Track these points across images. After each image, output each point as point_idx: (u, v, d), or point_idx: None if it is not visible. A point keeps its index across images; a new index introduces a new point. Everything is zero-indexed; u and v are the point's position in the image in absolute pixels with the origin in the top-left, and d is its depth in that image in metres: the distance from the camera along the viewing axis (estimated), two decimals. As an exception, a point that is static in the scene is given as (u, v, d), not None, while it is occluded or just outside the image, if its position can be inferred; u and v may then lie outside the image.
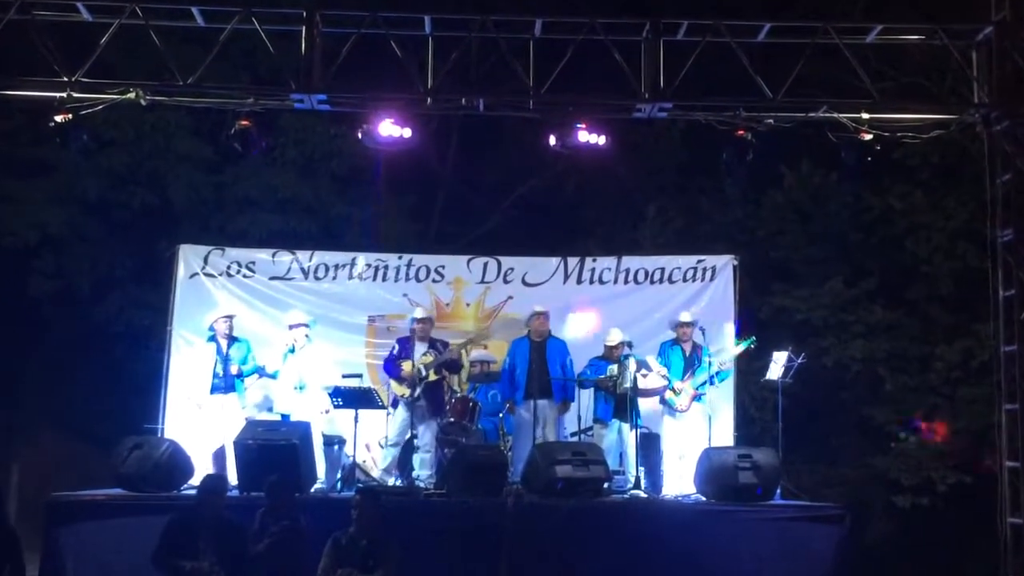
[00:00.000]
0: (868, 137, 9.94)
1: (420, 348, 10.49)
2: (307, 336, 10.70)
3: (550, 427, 10.51)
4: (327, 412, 10.45)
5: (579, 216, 16.53)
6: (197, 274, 11.65)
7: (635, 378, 10.29)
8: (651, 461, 10.42)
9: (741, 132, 9.76)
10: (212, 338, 10.63)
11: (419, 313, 10.74)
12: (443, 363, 10.41)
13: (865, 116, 9.90)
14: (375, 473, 10.89)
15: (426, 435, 10.35)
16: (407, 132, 9.90)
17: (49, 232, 14.03)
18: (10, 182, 14.00)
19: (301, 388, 10.49)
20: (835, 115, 9.94)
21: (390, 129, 9.88)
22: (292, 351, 10.61)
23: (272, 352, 10.72)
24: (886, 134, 10.00)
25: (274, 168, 14.89)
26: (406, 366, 10.35)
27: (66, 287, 14.34)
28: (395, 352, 10.56)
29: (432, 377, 10.34)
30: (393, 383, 10.49)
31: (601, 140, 10.08)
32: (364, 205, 15.49)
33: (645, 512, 9.48)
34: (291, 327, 10.73)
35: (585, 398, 10.70)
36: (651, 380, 10.47)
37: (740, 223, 15.52)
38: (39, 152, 13.69)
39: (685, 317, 10.78)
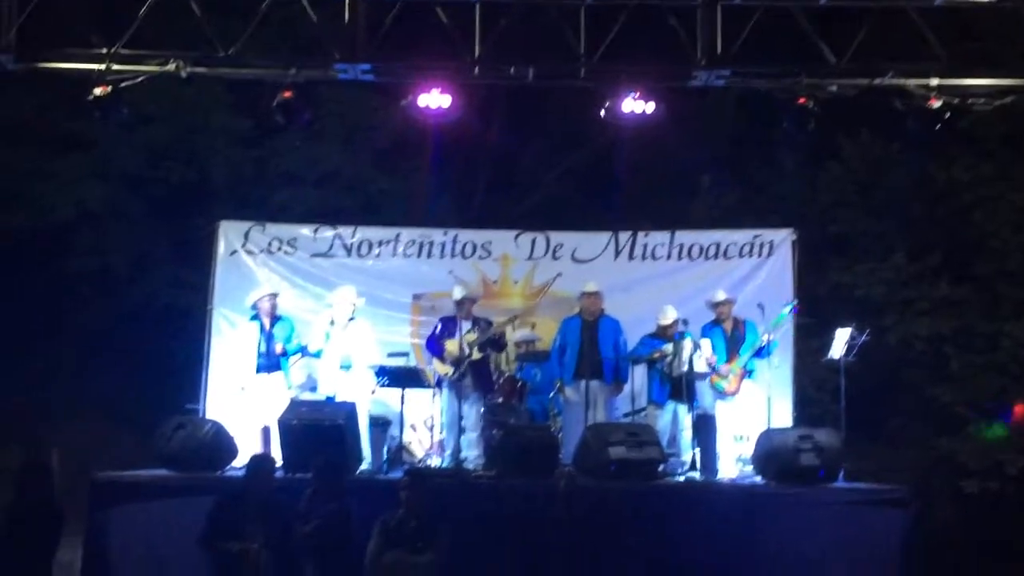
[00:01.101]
0: (937, 105, 9.75)
1: (464, 326, 10.47)
2: (352, 315, 10.61)
3: (601, 408, 10.48)
4: (373, 392, 10.46)
5: (629, 190, 16.38)
6: (237, 251, 11.73)
7: (691, 359, 10.23)
8: (706, 443, 10.34)
9: (803, 100, 9.60)
10: (255, 317, 10.64)
11: (457, 294, 10.68)
12: (487, 341, 10.38)
13: (934, 82, 9.70)
14: (421, 455, 10.93)
15: (471, 415, 10.33)
16: (446, 101, 9.78)
17: (87, 208, 14.15)
18: (47, 157, 14.14)
19: (347, 367, 10.47)
20: (902, 81, 9.75)
21: (435, 99, 9.83)
22: (332, 324, 10.53)
23: (315, 331, 10.70)
24: (956, 100, 9.81)
25: (314, 142, 14.88)
26: (450, 345, 10.35)
27: (104, 265, 14.47)
28: (437, 331, 10.55)
29: (476, 356, 10.31)
30: (436, 362, 10.48)
31: (650, 108, 9.95)
32: (407, 179, 15.47)
33: (701, 495, 9.46)
34: (336, 302, 10.66)
35: (639, 378, 10.64)
36: (703, 363, 10.40)
37: (797, 196, 15.39)
38: (76, 126, 13.82)
39: (720, 296, 10.68)
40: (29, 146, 14.20)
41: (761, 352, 10.34)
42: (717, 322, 10.61)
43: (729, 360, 10.42)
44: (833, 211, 14.99)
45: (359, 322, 10.68)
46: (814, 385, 13.37)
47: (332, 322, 10.53)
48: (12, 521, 7.64)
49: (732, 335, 10.50)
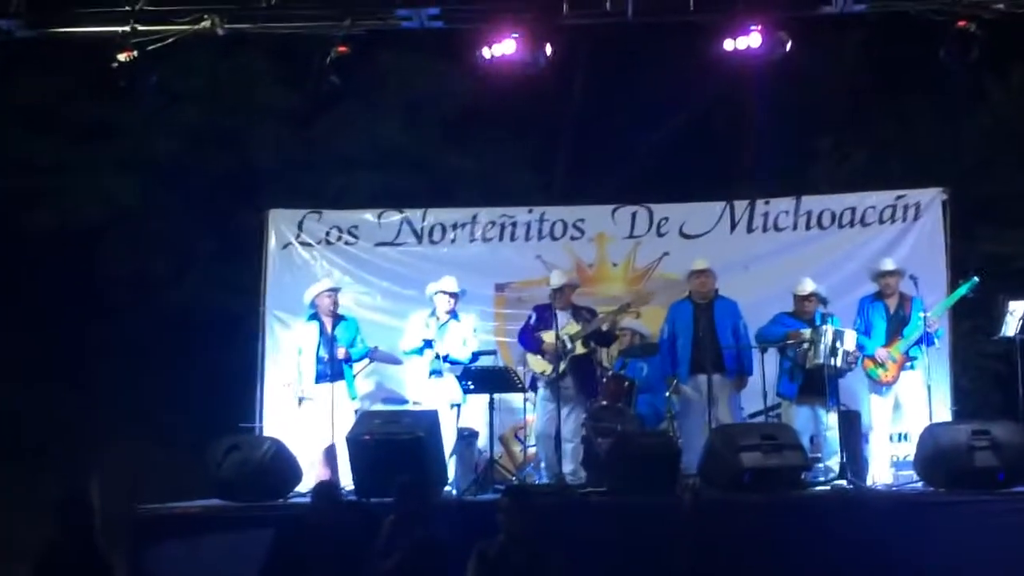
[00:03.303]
0: None
1: (562, 317, 9.99)
2: (451, 310, 10.22)
3: (724, 407, 9.91)
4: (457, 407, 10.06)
5: (735, 157, 15.86)
6: (291, 244, 11.51)
7: (831, 350, 9.57)
8: (852, 444, 9.78)
9: (963, 23, 8.89)
10: (313, 316, 10.31)
11: (555, 281, 10.23)
12: (593, 334, 9.92)
13: None
14: (513, 471, 10.57)
15: (569, 422, 9.88)
16: (509, 47, 9.23)
17: (118, 204, 13.86)
18: (70, 148, 13.89)
19: (437, 373, 10.09)
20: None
21: (507, 48, 9.28)
22: (428, 326, 10.16)
23: (410, 332, 10.30)
24: None
25: (373, 117, 14.60)
26: (547, 337, 9.86)
27: (141, 268, 14.22)
28: (532, 321, 10.13)
29: (580, 350, 9.86)
30: (531, 358, 10.04)
31: (755, 41, 9.23)
32: (481, 155, 15.09)
33: (854, 507, 8.82)
34: (435, 294, 10.28)
35: (770, 369, 10.00)
36: (839, 358, 9.72)
37: (935, 154, 14.66)
38: (101, 111, 13.59)
39: (888, 265, 10.10)
40: (50, 135, 13.98)
41: (928, 339, 9.71)
42: (880, 296, 10.03)
43: (889, 343, 9.84)
44: (982, 169, 14.28)
45: (463, 320, 10.33)
46: (967, 375, 12.73)
47: (427, 324, 10.19)
48: (51, 568, 7.28)
49: (896, 313, 9.94)
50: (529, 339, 10.06)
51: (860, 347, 9.79)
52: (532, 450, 10.48)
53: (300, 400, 10.19)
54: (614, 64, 15.08)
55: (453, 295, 10.23)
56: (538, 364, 9.96)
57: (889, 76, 14.88)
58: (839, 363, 9.62)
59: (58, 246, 13.83)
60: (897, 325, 9.87)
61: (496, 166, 15.13)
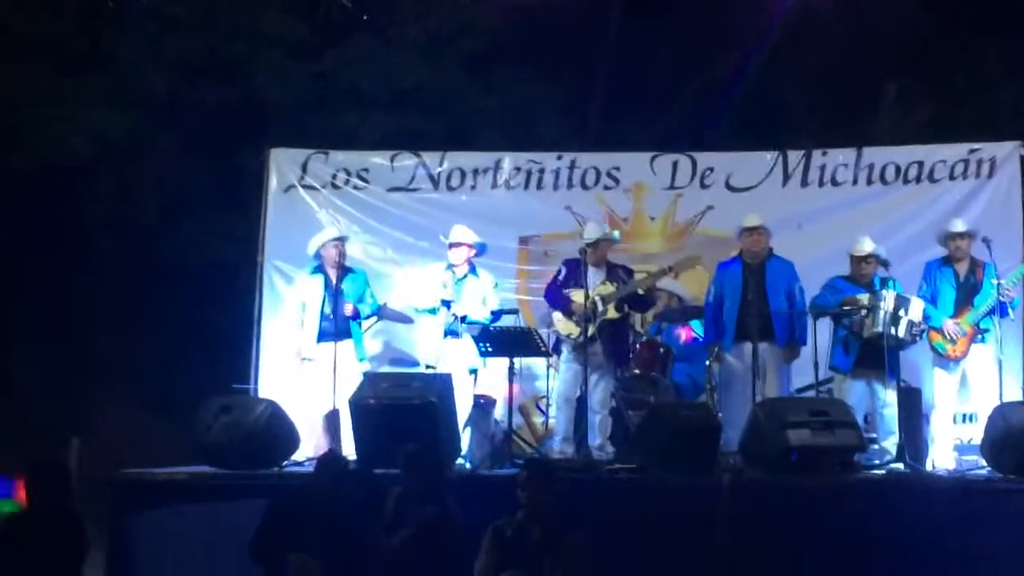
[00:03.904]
0: None
1: (595, 275, 9.88)
2: (471, 262, 10.17)
3: (770, 379, 9.84)
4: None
5: (787, 105, 15.79)
6: (294, 186, 11.57)
7: (893, 319, 9.48)
8: (911, 424, 9.72)
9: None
10: (318, 268, 10.28)
11: (590, 234, 10.09)
12: (628, 297, 9.81)
13: None
14: (534, 443, 10.64)
15: (597, 391, 9.85)
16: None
17: (105, 142, 13.81)
18: (55, 80, 13.80)
19: (453, 333, 10.01)
20: None
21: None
22: (460, 281, 10.10)
23: (425, 286, 10.24)
24: None
25: (389, 51, 14.52)
26: (577, 296, 9.74)
27: (129, 212, 14.19)
28: (561, 277, 10.04)
29: (612, 314, 9.75)
30: (558, 318, 9.95)
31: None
32: (506, 94, 15.02)
33: (914, 492, 8.74)
34: (451, 246, 10.20)
35: (823, 339, 9.90)
36: (902, 328, 9.65)
37: (1011, 107, 14.61)
38: (86, 40, 13.69)
39: (958, 227, 10.00)
40: (29, 66, 13.81)
41: (1003, 309, 9.66)
42: (948, 261, 9.94)
43: (958, 314, 9.77)
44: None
45: (482, 275, 10.27)
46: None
47: (444, 284, 10.09)
48: (20, 535, 7.26)
49: (966, 280, 9.86)
50: (557, 296, 9.96)
51: (926, 317, 9.72)
52: (554, 421, 10.45)
53: (302, 360, 10.14)
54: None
55: (472, 247, 10.14)
56: (565, 325, 9.87)
57: (961, 19, 14.73)
58: (902, 334, 9.55)
59: (37, 188, 13.80)
60: (967, 293, 9.79)
61: (523, 107, 15.12)
